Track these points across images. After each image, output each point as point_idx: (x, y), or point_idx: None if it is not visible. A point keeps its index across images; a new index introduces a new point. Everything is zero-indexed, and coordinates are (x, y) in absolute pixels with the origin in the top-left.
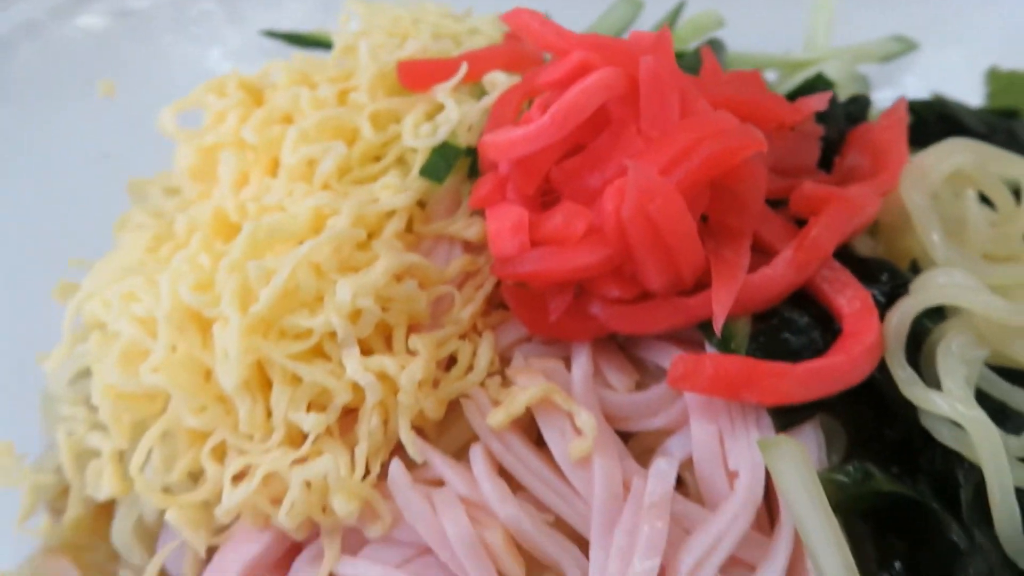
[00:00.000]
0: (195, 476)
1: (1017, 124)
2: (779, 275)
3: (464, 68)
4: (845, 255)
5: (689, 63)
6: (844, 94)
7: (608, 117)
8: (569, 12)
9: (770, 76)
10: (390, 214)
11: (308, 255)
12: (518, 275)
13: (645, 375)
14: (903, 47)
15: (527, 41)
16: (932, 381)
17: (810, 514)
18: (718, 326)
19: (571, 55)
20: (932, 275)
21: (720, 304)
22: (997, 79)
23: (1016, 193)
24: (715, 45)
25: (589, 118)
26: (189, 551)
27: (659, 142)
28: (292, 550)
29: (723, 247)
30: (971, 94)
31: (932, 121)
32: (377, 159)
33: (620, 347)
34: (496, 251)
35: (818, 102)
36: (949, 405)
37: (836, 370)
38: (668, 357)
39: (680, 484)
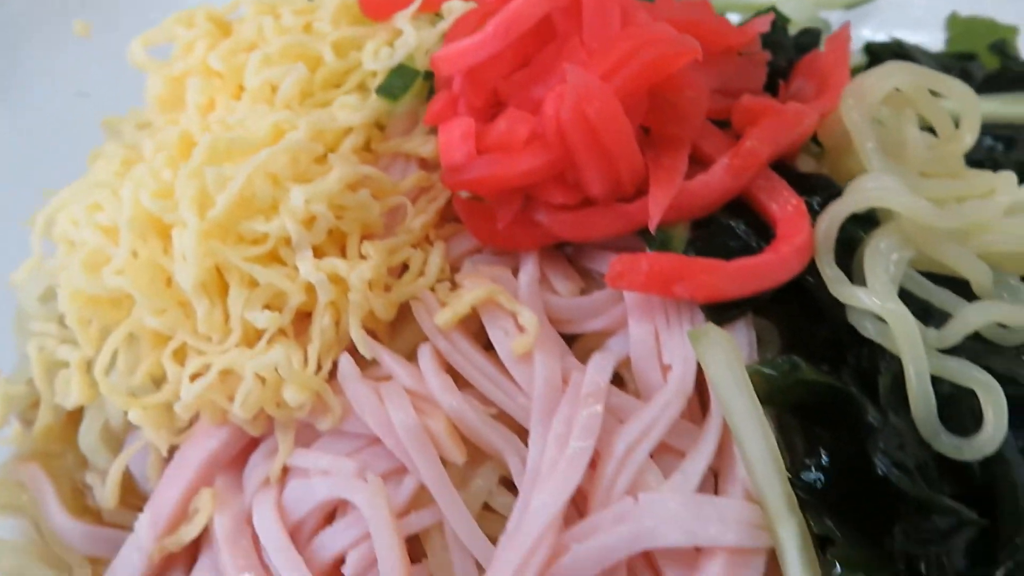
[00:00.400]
0: (158, 380)
1: (972, 64)
2: (715, 181)
3: (416, 5)
4: (788, 173)
5: None
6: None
7: (554, 31)
8: None
9: (734, 19)
10: (348, 131)
11: (264, 163)
12: (466, 183)
13: (590, 283)
14: None
15: None
16: (860, 282)
17: (736, 401)
18: (653, 225)
19: None
20: (862, 180)
21: (656, 205)
22: (956, 24)
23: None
24: None
25: (535, 32)
26: (152, 451)
27: (599, 51)
28: (249, 446)
29: (663, 155)
30: (934, 42)
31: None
32: (339, 86)
33: (568, 258)
34: (445, 161)
35: (761, 24)
36: (871, 300)
37: (766, 267)
38: (606, 262)
39: (621, 382)
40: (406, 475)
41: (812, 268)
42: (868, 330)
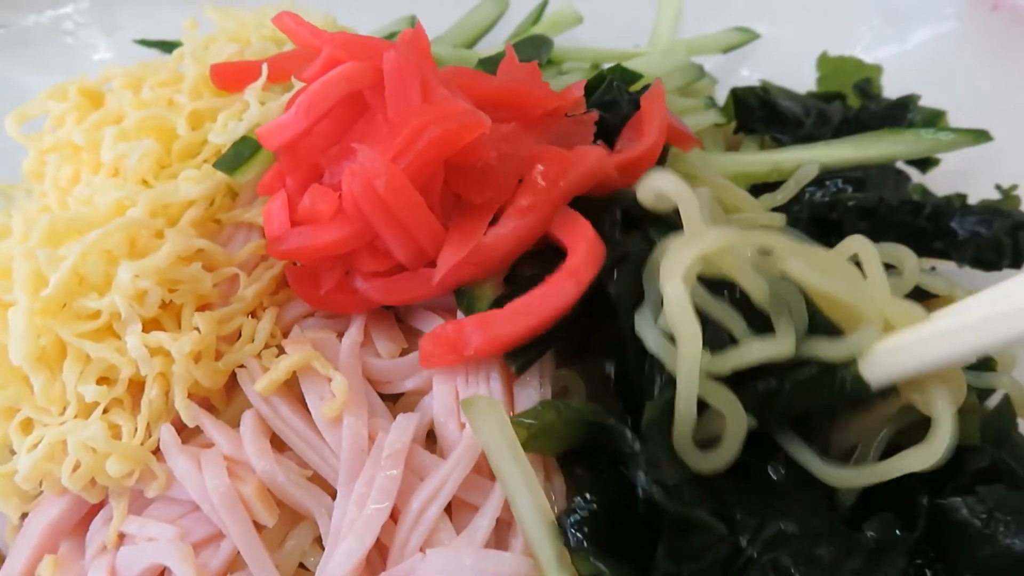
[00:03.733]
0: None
1: (832, 106)
2: (507, 231)
3: (265, 71)
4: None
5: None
6: (672, 84)
7: (366, 105)
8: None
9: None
10: (190, 203)
11: (98, 242)
12: (285, 253)
13: (415, 342)
14: (745, 37)
15: (292, 40)
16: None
17: (503, 462)
18: (434, 284)
19: (322, 52)
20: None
21: (441, 265)
22: (826, 64)
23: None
24: (539, 41)
25: (349, 105)
26: (7, 518)
27: (396, 127)
28: (92, 512)
29: (466, 219)
30: (810, 81)
31: (755, 106)
32: (195, 156)
33: (397, 315)
34: (267, 232)
35: (576, 89)
36: (650, 324)
37: (538, 300)
38: (431, 323)
39: (435, 439)
40: (223, 539)
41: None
42: (650, 346)
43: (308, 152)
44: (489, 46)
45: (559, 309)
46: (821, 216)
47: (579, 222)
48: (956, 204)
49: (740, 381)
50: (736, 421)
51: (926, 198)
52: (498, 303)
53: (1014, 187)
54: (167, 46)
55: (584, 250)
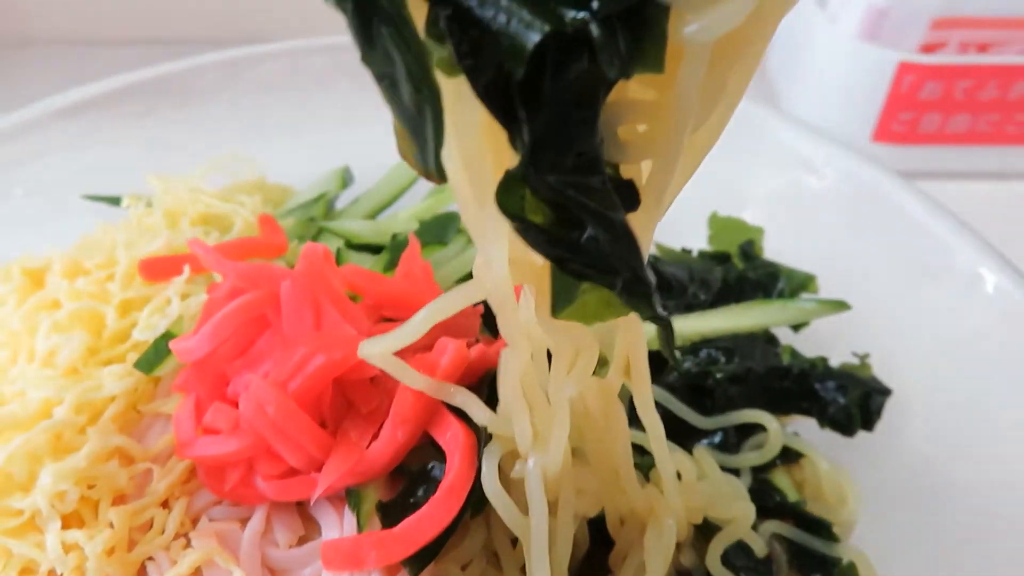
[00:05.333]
0: None
1: (714, 273)
2: (386, 443)
3: (187, 271)
4: None
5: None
6: None
7: (268, 323)
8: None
9: None
10: (112, 399)
11: (23, 445)
12: (191, 457)
13: (313, 531)
14: None
15: (204, 265)
16: None
17: None
18: (313, 499)
19: (226, 282)
20: None
21: (324, 478)
22: (715, 223)
23: None
24: (446, 220)
25: (252, 324)
26: None
27: (288, 353)
28: None
29: (351, 428)
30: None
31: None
32: (125, 339)
33: (299, 505)
34: (176, 436)
35: None
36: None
37: (427, 520)
38: (327, 514)
39: None
40: None
41: None
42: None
43: (214, 365)
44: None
45: (446, 523)
46: (696, 384)
47: (452, 426)
48: (819, 368)
49: None
50: None
51: (794, 358)
52: (386, 513)
53: (867, 355)
54: (115, 201)
55: (459, 462)
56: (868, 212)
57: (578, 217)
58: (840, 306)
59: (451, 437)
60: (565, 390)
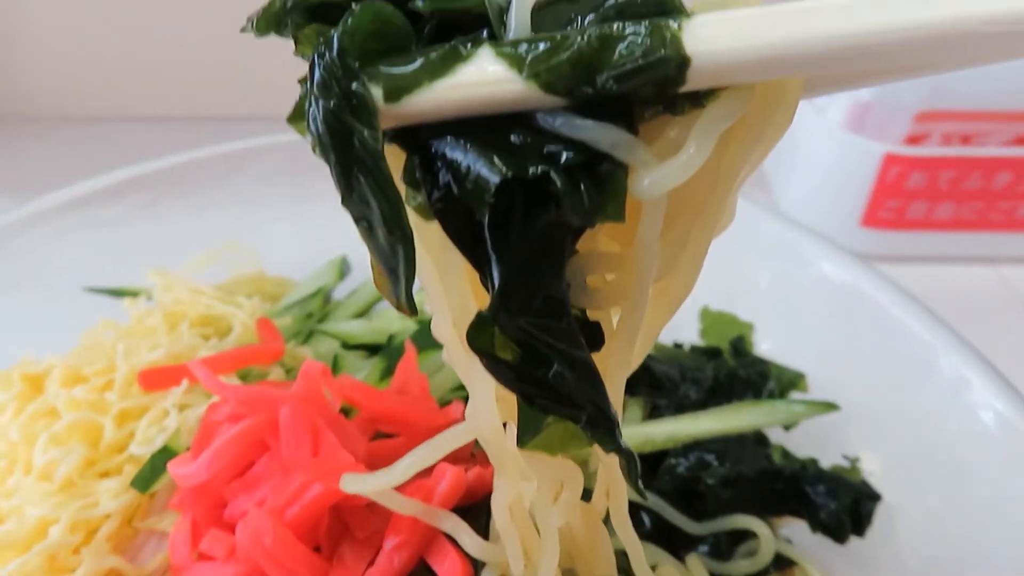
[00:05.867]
0: None
1: (704, 371)
2: (381, 568)
3: (185, 383)
4: None
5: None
6: None
7: (267, 446)
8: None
9: None
10: (107, 517)
11: (18, 569)
12: None
13: None
14: None
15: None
16: None
17: None
18: None
19: (226, 404)
20: None
21: None
22: (707, 317)
23: None
24: None
25: (251, 447)
26: None
27: (286, 480)
28: None
29: (347, 554)
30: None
31: (637, 371)
32: (122, 450)
33: None
34: (172, 560)
35: (456, 409)
36: None
37: None
38: None
39: None
40: None
41: None
42: None
43: (212, 489)
44: None
45: None
46: (688, 488)
47: (450, 555)
48: (810, 470)
49: None
50: None
51: (785, 459)
52: None
53: (857, 459)
54: (117, 293)
55: None
56: (854, 310)
57: (545, 355)
58: (829, 407)
59: (448, 566)
60: (552, 520)
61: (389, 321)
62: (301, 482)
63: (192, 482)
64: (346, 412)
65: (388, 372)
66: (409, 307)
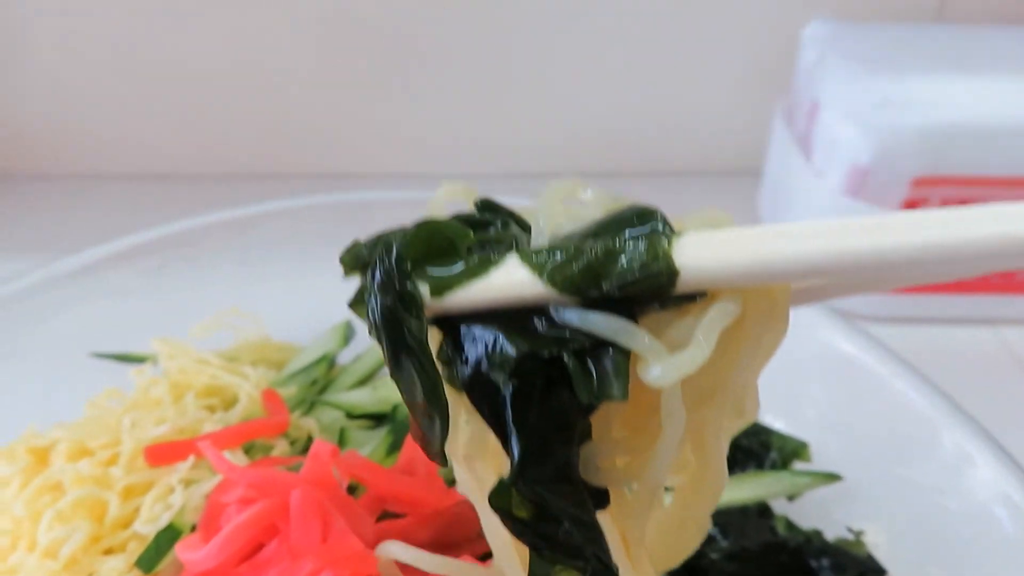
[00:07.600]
0: None
1: None
2: None
3: (191, 459)
4: None
5: None
6: None
7: (276, 530)
8: None
9: None
10: None
11: None
12: None
13: None
14: None
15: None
16: None
17: None
18: None
19: (236, 488)
20: None
21: None
22: None
23: None
24: None
25: (260, 530)
26: None
27: (295, 566)
28: None
29: None
30: None
31: None
32: (127, 526)
33: None
34: None
35: None
36: None
37: None
38: None
39: None
40: None
41: None
42: None
43: (220, 572)
44: None
45: None
46: (691, 563)
47: None
48: (815, 542)
49: None
50: None
51: (789, 530)
52: None
53: (861, 532)
54: (123, 358)
55: None
56: (855, 380)
57: (556, 515)
58: (832, 478)
59: None
60: None
61: (392, 390)
62: (310, 569)
63: (201, 567)
64: (352, 488)
65: (395, 447)
66: (440, 460)
